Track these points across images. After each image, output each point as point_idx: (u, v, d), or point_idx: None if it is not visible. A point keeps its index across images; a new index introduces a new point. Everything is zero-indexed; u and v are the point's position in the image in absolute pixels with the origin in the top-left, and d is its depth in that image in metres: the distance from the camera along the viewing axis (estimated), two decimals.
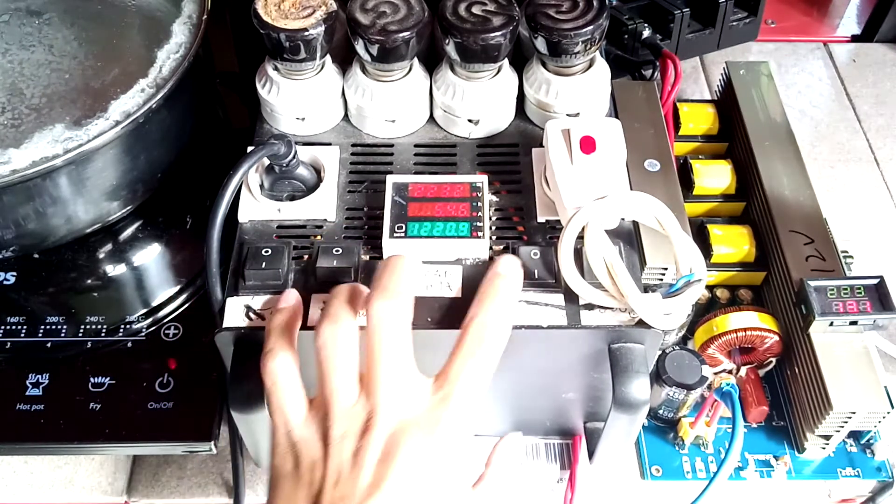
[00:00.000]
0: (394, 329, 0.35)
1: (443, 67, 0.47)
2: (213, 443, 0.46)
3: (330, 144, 0.46)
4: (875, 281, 0.46)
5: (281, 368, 0.35)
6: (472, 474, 0.36)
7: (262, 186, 0.44)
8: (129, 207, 0.50)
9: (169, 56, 0.47)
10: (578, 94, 0.46)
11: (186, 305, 0.51)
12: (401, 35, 0.43)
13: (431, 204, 0.42)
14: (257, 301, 0.40)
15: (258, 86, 0.47)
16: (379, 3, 0.44)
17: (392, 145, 0.47)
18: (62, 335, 0.49)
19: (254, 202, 0.43)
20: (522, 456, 0.39)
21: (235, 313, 0.40)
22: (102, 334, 0.49)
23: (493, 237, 0.42)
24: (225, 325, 0.39)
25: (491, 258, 0.42)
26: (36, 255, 0.53)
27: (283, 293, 0.39)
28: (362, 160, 0.46)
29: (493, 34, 0.43)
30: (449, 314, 0.39)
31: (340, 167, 0.45)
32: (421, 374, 0.35)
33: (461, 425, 0.34)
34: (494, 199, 0.44)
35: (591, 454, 0.47)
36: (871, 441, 0.48)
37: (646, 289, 0.43)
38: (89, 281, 0.53)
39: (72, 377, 0.48)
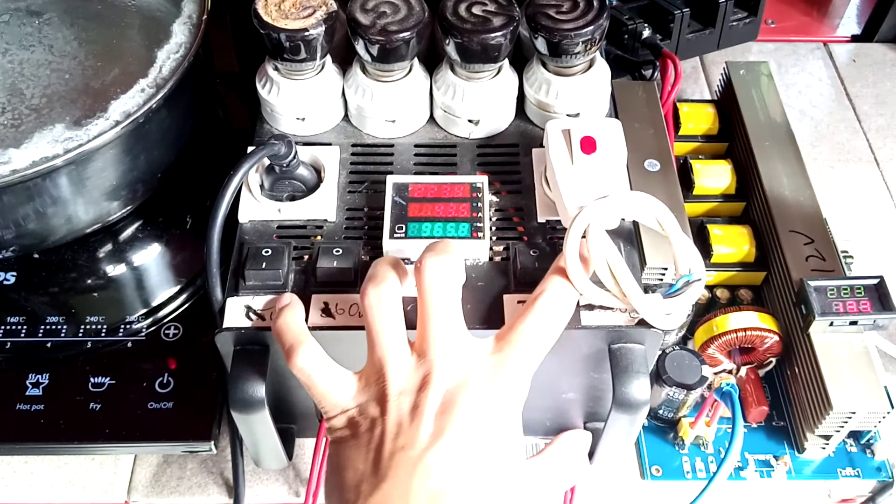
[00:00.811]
0: (447, 286, 0.35)
1: (443, 67, 0.47)
2: (213, 443, 0.46)
3: (330, 144, 0.46)
4: (875, 281, 0.46)
5: (310, 359, 0.35)
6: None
7: (262, 186, 0.44)
8: (129, 207, 0.50)
9: (169, 56, 0.47)
10: (578, 94, 0.46)
11: (186, 305, 0.51)
12: (401, 35, 0.43)
13: (432, 204, 0.42)
14: (257, 301, 0.40)
15: (258, 86, 0.47)
16: (379, 3, 0.44)
17: (392, 145, 0.47)
18: (62, 335, 0.49)
19: (254, 202, 0.43)
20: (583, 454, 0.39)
21: (235, 313, 0.40)
22: (102, 334, 0.50)
23: (494, 237, 0.42)
24: (225, 326, 0.39)
25: (491, 259, 0.42)
26: (36, 255, 0.53)
27: (280, 295, 0.39)
28: (362, 160, 0.46)
29: (493, 34, 0.43)
30: None
31: (340, 167, 0.45)
32: (467, 332, 0.35)
33: (519, 388, 0.34)
34: (494, 199, 0.44)
35: (591, 454, 0.47)
36: (871, 441, 0.48)
37: (646, 289, 0.43)
38: (89, 281, 0.53)
39: (72, 377, 0.48)
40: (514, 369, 0.34)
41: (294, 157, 0.43)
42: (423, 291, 0.35)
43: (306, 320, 0.39)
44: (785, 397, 0.50)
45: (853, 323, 0.45)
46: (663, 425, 0.49)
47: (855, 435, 0.48)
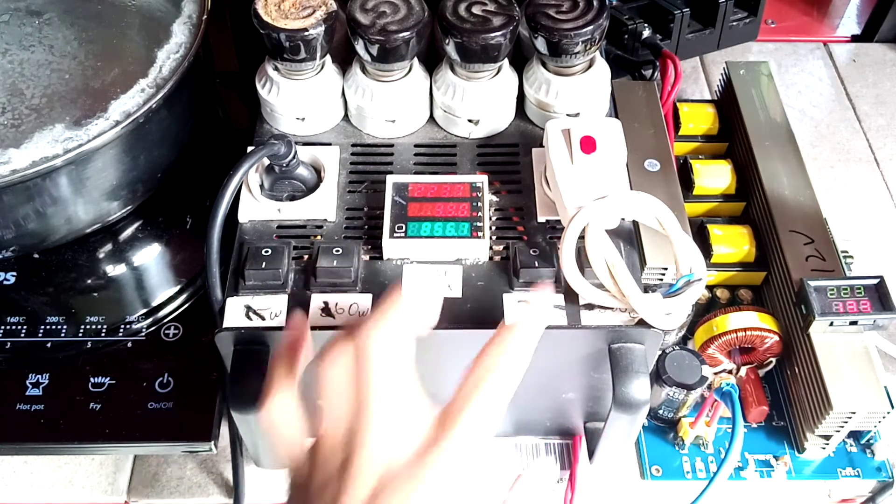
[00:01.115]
0: (385, 364, 0.32)
1: (443, 67, 0.47)
2: (213, 443, 0.46)
3: (330, 144, 0.46)
4: (875, 281, 0.46)
5: (279, 412, 0.33)
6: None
7: (262, 186, 0.44)
8: (129, 207, 0.50)
9: (169, 56, 0.47)
10: (578, 94, 0.46)
11: (186, 305, 0.51)
12: (401, 35, 0.43)
13: (431, 204, 0.42)
14: (257, 301, 0.40)
15: (258, 86, 0.47)
16: (379, 3, 0.44)
17: (392, 145, 0.47)
18: (62, 335, 0.49)
19: (254, 202, 0.43)
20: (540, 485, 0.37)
21: (235, 313, 0.40)
22: (102, 334, 0.50)
23: (493, 237, 0.42)
24: (225, 325, 0.39)
25: (491, 258, 0.42)
26: (36, 255, 0.53)
27: (294, 316, 0.38)
28: (362, 160, 0.46)
29: (493, 34, 0.43)
30: (449, 314, 0.39)
31: (340, 167, 0.45)
32: (421, 404, 0.32)
33: (456, 467, 0.31)
34: (494, 199, 0.44)
35: (591, 454, 0.47)
36: (871, 441, 0.48)
37: (646, 289, 0.43)
38: (89, 281, 0.53)
39: (72, 377, 0.48)
40: (452, 446, 0.31)
41: (294, 157, 0.43)
42: (359, 368, 0.32)
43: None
44: (785, 397, 0.50)
45: (853, 323, 0.45)
46: (663, 425, 0.49)
47: (855, 435, 0.48)
